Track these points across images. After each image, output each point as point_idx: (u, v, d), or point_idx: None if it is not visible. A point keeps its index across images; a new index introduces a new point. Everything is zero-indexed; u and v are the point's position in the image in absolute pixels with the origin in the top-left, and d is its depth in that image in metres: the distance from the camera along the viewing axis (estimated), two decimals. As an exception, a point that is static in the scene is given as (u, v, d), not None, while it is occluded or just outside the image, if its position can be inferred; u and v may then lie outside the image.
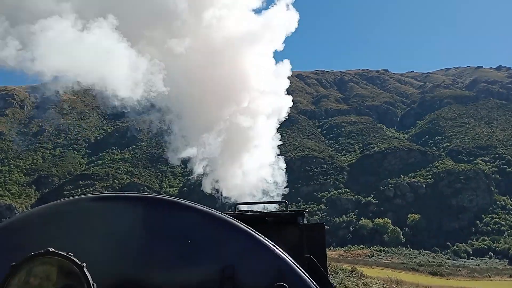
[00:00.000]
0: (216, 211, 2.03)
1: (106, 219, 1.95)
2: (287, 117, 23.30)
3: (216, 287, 1.76)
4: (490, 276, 58.23)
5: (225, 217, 1.97)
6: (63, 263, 1.53)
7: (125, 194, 2.07)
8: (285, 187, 20.23)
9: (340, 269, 22.23)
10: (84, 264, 1.52)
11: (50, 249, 1.52)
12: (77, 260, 1.52)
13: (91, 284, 1.50)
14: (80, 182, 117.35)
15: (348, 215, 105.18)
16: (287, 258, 1.86)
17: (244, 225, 1.97)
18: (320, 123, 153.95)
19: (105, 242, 1.90)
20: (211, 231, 1.91)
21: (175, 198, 2.10)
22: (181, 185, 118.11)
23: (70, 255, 1.52)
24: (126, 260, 1.87)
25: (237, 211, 4.19)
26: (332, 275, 17.57)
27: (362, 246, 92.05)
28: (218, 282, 1.77)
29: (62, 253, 1.52)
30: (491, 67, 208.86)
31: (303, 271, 1.87)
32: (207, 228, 1.92)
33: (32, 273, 1.52)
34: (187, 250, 1.87)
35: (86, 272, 1.51)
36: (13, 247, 1.87)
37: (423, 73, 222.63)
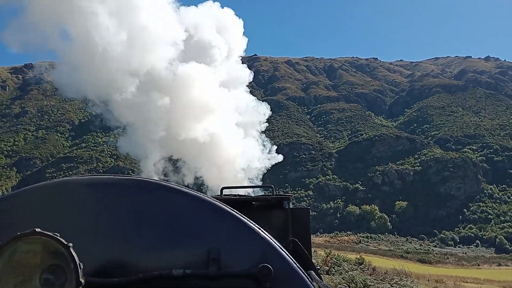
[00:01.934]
0: (202, 193, 2.07)
1: (92, 201, 1.99)
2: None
3: (202, 269, 1.81)
4: (478, 265, 57.76)
5: (210, 199, 2.01)
6: (49, 243, 1.55)
7: (112, 176, 2.10)
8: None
9: (343, 260, 19.82)
10: (71, 244, 1.55)
11: (36, 229, 1.54)
12: (63, 240, 1.55)
13: (78, 263, 1.55)
14: (63, 164, 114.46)
15: (335, 201, 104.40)
16: (271, 240, 1.91)
17: (229, 208, 2.01)
18: (309, 110, 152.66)
19: (90, 223, 1.94)
20: (197, 213, 1.96)
21: (161, 180, 2.13)
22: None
23: (57, 235, 1.55)
24: (110, 242, 1.91)
25: (223, 195, 4.05)
26: (333, 268, 15.74)
27: (349, 232, 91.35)
28: (204, 264, 1.83)
29: (48, 233, 1.55)
30: (479, 57, 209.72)
31: (287, 253, 1.93)
32: (192, 210, 1.96)
33: (18, 253, 1.55)
34: (172, 232, 1.91)
35: (72, 252, 1.55)
36: (0, 227, 1.90)
37: (412, 62, 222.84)
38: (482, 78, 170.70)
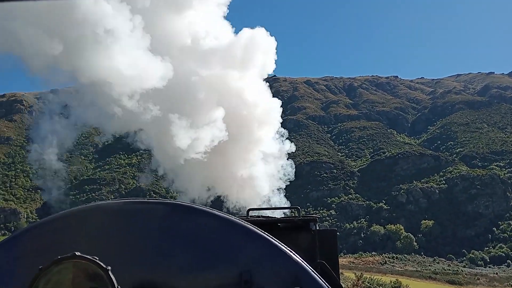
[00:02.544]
0: (232, 216, 2.09)
1: (127, 224, 2.02)
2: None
3: None
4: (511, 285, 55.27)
5: (241, 222, 2.03)
6: (89, 266, 1.58)
7: (145, 200, 2.13)
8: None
9: (378, 284, 18.30)
10: (109, 268, 1.58)
11: (76, 253, 1.58)
12: (102, 264, 1.58)
13: (116, 286, 1.57)
14: (86, 186, 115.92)
15: (359, 221, 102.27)
16: (302, 263, 1.92)
17: (260, 230, 2.01)
18: (330, 129, 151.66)
19: (126, 246, 1.98)
20: (228, 236, 1.97)
21: (192, 203, 2.17)
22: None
23: (96, 259, 1.58)
24: (146, 264, 1.94)
25: (249, 217, 4.04)
26: None
27: (373, 253, 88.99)
28: (236, 286, 1.83)
29: (88, 256, 1.58)
30: (502, 73, 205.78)
31: (318, 275, 1.93)
32: (224, 233, 1.97)
33: (58, 276, 1.57)
34: (205, 255, 1.94)
35: (111, 275, 1.57)
36: (40, 250, 1.97)
37: (433, 79, 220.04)
38: (506, 94, 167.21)
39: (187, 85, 18.45)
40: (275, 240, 1.98)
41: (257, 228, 2.02)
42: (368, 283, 17.39)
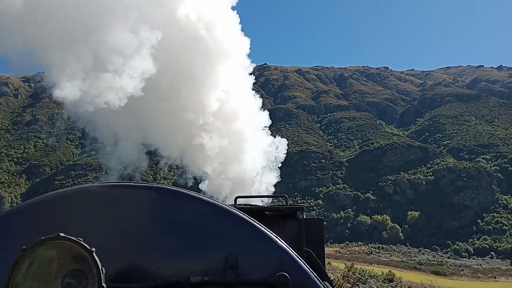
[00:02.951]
0: (219, 201, 2.11)
1: (113, 207, 2.04)
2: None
3: (219, 276, 1.84)
4: (495, 277, 55.63)
5: (227, 207, 2.05)
6: (73, 247, 1.58)
7: (132, 183, 2.15)
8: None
9: (370, 276, 17.65)
10: (94, 249, 1.58)
11: (60, 234, 1.58)
12: (86, 245, 1.58)
13: (100, 268, 1.57)
14: (72, 172, 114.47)
15: (346, 211, 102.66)
16: (288, 249, 1.94)
17: (246, 216, 2.04)
18: (319, 118, 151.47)
19: (112, 229, 1.99)
20: (214, 221, 1.98)
21: (179, 188, 2.17)
22: (175, 177, 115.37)
23: (80, 240, 1.59)
24: (131, 248, 1.96)
25: (237, 205, 4.01)
26: (357, 285, 14.21)
27: (360, 243, 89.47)
28: (221, 271, 1.85)
29: (72, 237, 1.58)
30: (492, 67, 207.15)
31: (304, 262, 1.95)
32: (210, 218, 1.99)
33: (42, 257, 1.57)
34: (191, 240, 1.95)
35: (95, 256, 1.57)
36: (23, 232, 1.98)
37: (423, 71, 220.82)
38: (495, 88, 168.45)
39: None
40: (261, 225, 1.97)
41: (243, 214, 2.01)
42: (359, 274, 16.83)
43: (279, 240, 1.93)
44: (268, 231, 1.96)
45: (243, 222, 1.95)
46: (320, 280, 1.89)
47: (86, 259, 1.57)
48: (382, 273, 22.72)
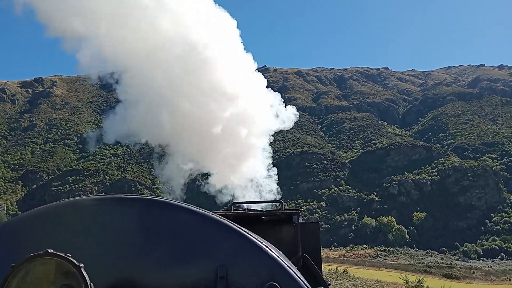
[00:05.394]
0: (209, 211, 2.09)
1: (102, 220, 2.02)
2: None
3: (210, 287, 1.83)
4: (510, 280, 53.40)
5: (217, 217, 2.03)
6: (62, 263, 1.57)
7: (121, 196, 2.12)
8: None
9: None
10: (82, 265, 1.57)
11: (48, 250, 1.57)
12: (75, 261, 1.57)
13: (89, 284, 1.56)
14: (69, 177, 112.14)
15: (350, 213, 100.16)
16: (279, 258, 1.91)
17: (236, 226, 2.02)
18: (320, 120, 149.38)
19: (101, 243, 1.98)
20: (204, 231, 1.97)
21: (168, 199, 2.16)
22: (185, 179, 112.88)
23: (68, 256, 1.58)
24: (121, 261, 1.95)
25: (233, 211, 3.93)
26: None
27: (365, 245, 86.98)
28: (212, 282, 1.84)
29: (61, 254, 1.57)
30: (492, 66, 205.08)
31: (295, 271, 1.93)
32: (200, 229, 1.98)
33: (31, 273, 1.56)
34: (182, 251, 1.94)
35: (83, 272, 1.56)
36: (12, 248, 1.96)
37: (424, 71, 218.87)
38: (496, 86, 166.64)
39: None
40: (252, 235, 1.92)
41: (233, 224, 1.95)
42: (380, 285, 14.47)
43: (270, 250, 1.90)
44: (258, 240, 1.92)
45: (234, 232, 1.93)
46: None
47: (75, 275, 1.56)
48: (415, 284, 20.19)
